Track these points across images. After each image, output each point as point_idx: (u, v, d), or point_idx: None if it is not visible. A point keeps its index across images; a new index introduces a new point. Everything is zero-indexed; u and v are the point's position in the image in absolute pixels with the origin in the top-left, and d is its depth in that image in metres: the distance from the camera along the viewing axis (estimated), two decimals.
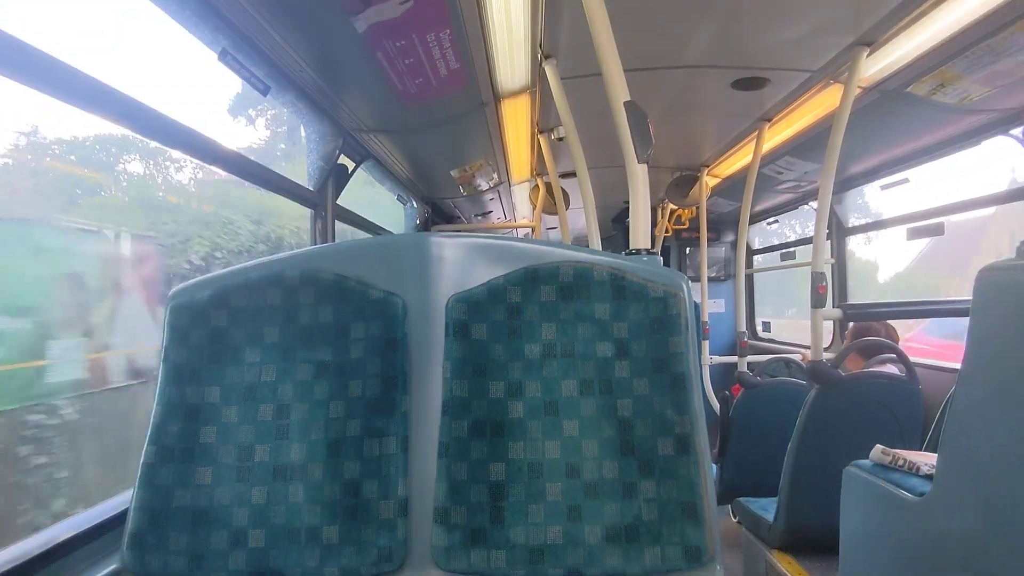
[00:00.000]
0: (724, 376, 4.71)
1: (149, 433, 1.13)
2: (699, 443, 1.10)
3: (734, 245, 4.92)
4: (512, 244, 1.23)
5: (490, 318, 1.17)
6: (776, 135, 3.16)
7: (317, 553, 1.08)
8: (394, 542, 1.08)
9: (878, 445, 1.64)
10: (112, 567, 1.17)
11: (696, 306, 4.30)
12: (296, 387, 1.16)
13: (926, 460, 1.49)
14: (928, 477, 1.42)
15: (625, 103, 1.43)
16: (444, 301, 1.18)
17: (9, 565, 1.05)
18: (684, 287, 1.16)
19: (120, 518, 1.20)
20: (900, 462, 1.55)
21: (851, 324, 3.14)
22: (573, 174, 2.93)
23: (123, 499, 1.30)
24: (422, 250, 1.20)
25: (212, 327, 1.18)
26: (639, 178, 1.42)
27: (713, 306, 5.36)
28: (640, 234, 1.41)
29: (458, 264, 1.20)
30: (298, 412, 1.15)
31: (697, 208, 4.30)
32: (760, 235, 5.65)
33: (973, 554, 1.21)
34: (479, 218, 5.49)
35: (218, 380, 1.16)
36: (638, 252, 1.36)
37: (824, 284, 2.41)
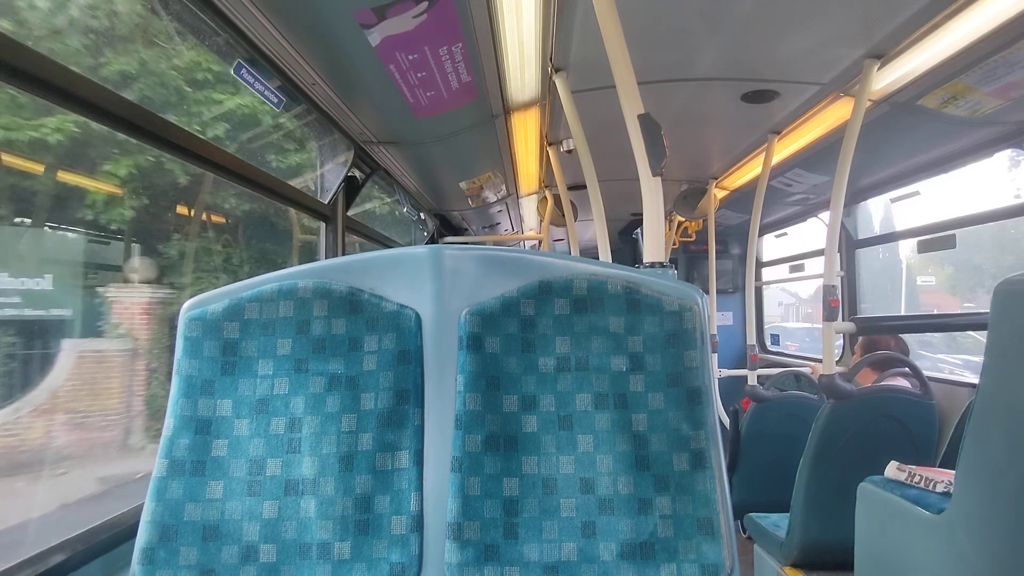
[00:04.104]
0: (733, 390, 4.67)
1: (161, 446, 1.13)
2: (715, 458, 1.09)
3: (742, 258, 4.91)
4: (526, 257, 1.22)
5: (504, 331, 1.16)
6: (786, 148, 3.16)
7: (328, 569, 1.07)
8: (407, 558, 1.07)
9: (893, 461, 1.62)
10: None
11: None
12: (308, 400, 1.15)
13: (943, 476, 1.47)
14: (946, 494, 1.40)
15: (640, 116, 1.42)
16: (458, 314, 1.17)
17: None
18: (699, 300, 1.16)
19: (131, 532, 1.19)
20: (916, 478, 1.53)
21: (860, 337, 3.11)
22: (580, 187, 2.93)
23: (134, 513, 1.30)
24: (436, 263, 1.20)
25: (225, 339, 1.18)
26: (653, 191, 1.41)
27: (721, 319, 5.34)
28: (654, 247, 1.41)
29: (472, 277, 1.19)
30: (310, 425, 1.14)
31: (705, 220, 4.29)
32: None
33: (993, 572, 1.19)
34: (487, 230, 5.50)
35: (230, 393, 1.15)
36: (652, 265, 1.36)
37: (836, 297, 2.40)
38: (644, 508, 1.08)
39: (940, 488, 1.44)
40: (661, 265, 1.35)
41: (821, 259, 3.27)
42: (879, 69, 2.15)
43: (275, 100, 1.82)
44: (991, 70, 2.01)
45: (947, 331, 2.55)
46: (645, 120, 1.41)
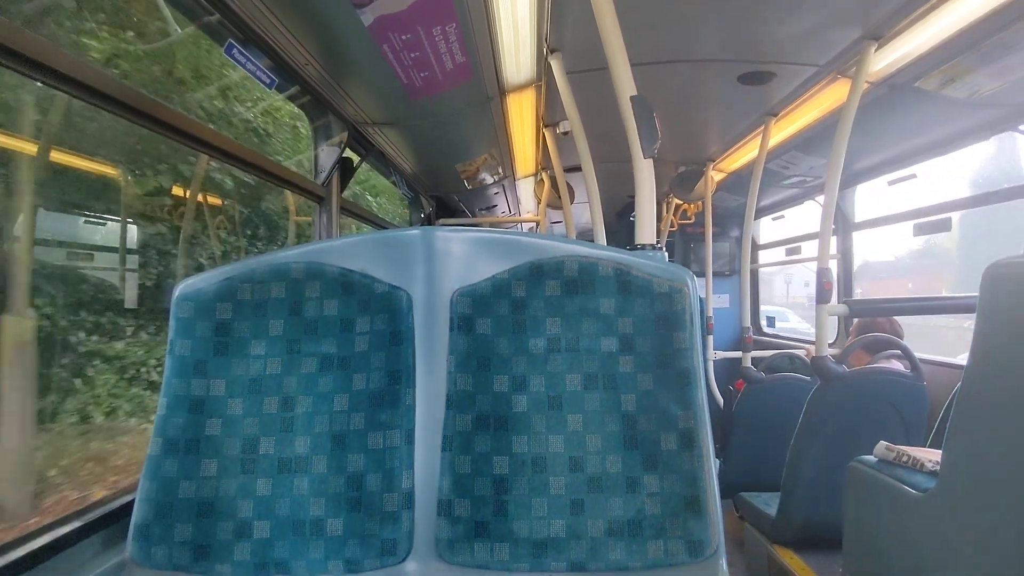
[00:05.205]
0: (728, 371, 4.70)
1: (155, 425, 1.14)
2: (703, 438, 1.10)
3: (739, 240, 4.90)
4: (517, 238, 1.23)
5: (495, 312, 1.17)
6: (782, 130, 3.14)
7: (322, 545, 1.09)
8: (398, 534, 1.09)
9: (882, 441, 1.64)
10: (118, 558, 1.18)
11: (701, 301, 4.26)
12: (301, 380, 1.17)
13: (930, 456, 1.49)
14: (932, 473, 1.41)
15: (631, 97, 1.42)
16: (449, 295, 1.18)
17: (16, 555, 1.06)
18: (689, 282, 1.16)
19: (126, 509, 1.21)
20: (904, 458, 1.54)
21: (855, 320, 3.13)
22: (578, 168, 2.92)
23: (129, 490, 1.31)
24: (427, 244, 1.20)
25: (217, 320, 1.18)
26: (645, 173, 1.41)
27: (717, 301, 5.34)
28: (645, 229, 1.41)
29: (463, 258, 1.20)
30: (303, 405, 1.15)
31: (702, 203, 4.28)
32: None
33: (977, 550, 1.21)
34: (484, 212, 5.49)
35: (223, 373, 1.17)
36: (643, 247, 1.36)
37: (829, 280, 2.40)
38: (632, 486, 1.09)
39: (927, 468, 1.46)
40: (652, 247, 1.35)
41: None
42: (877, 50, 2.13)
43: (267, 81, 1.80)
44: (989, 51, 2.00)
45: (939, 313, 2.56)
46: (637, 101, 1.41)
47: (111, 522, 1.25)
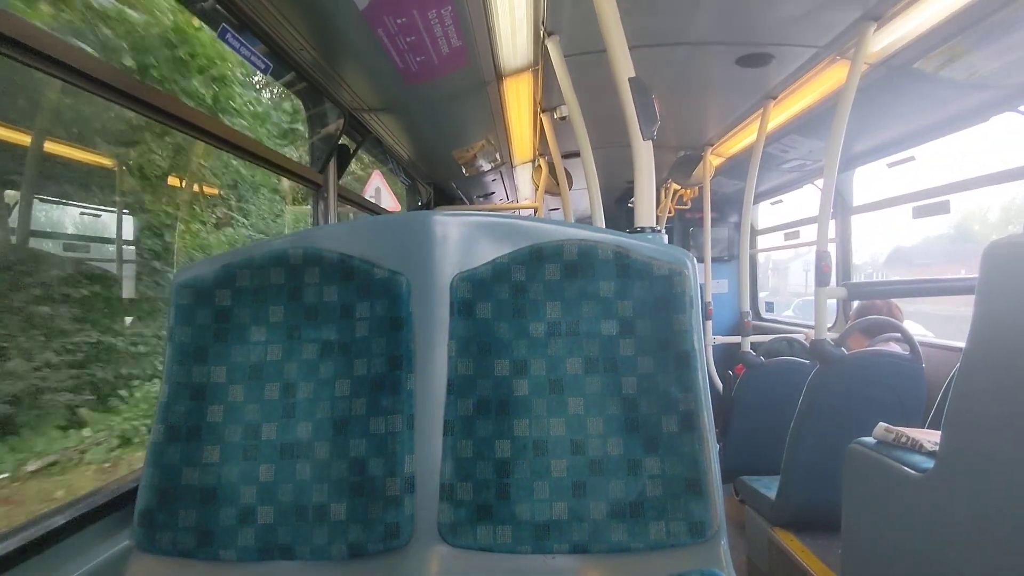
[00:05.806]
0: (728, 356, 4.71)
1: (157, 412, 1.14)
2: (703, 420, 1.11)
3: (738, 225, 4.90)
4: (516, 222, 1.22)
5: (495, 297, 1.17)
6: (781, 113, 3.13)
7: (325, 529, 1.09)
8: (401, 518, 1.10)
9: (881, 423, 1.64)
10: (122, 544, 1.19)
11: (700, 287, 4.25)
12: (301, 366, 1.17)
13: (929, 437, 1.49)
14: (931, 454, 1.42)
15: (630, 79, 1.41)
16: (449, 280, 1.18)
17: (21, 542, 1.06)
18: (689, 265, 1.16)
19: (130, 496, 1.21)
20: (903, 439, 1.55)
21: (855, 304, 3.13)
22: (576, 154, 2.90)
23: (133, 477, 1.32)
24: (426, 229, 1.20)
25: (217, 307, 1.18)
26: (644, 155, 1.41)
27: (716, 287, 5.34)
28: (645, 211, 1.40)
29: (463, 243, 1.19)
30: (304, 391, 1.16)
31: (701, 188, 4.26)
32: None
33: (975, 530, 1.21)
34: (482, 199, 5.47)
35: (224, 359, 1.17)
36: (643, 230, 1.36)
37: (828, 263, 2.40)
38: (633, 469, 1.10)
39: (926, 448, 1.46)
40: (652, 229, 1.35)
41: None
42: (876, 31, 2.11)
43: (262, 66, 1.79)
44: (987, 31, 1.98)
45: (938, 295, 2.56)
46: (635, 83, 1.40)
47: (115, 509, 1.25)
